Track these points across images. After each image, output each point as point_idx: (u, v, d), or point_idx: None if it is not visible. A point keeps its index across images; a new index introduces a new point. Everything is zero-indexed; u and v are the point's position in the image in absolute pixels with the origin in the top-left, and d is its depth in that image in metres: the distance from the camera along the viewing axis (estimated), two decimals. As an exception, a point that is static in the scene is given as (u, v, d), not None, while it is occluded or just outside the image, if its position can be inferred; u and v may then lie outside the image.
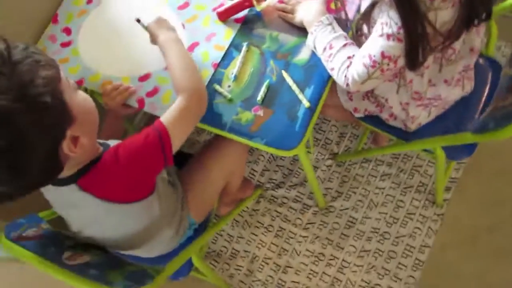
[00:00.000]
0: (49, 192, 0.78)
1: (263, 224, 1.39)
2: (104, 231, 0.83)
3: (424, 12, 0.68)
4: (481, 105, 1.00)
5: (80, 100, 0.70)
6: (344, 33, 0.86)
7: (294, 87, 0.88)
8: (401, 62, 0.77)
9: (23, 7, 1.06)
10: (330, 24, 0.86)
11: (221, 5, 0.99)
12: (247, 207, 1.42)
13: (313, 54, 0.90)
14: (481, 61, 1.03)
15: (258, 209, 1.41)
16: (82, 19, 1.08)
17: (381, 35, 0.75)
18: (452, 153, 0.99)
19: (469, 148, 0.99)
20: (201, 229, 1.06)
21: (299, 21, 0.91)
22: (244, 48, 0.93)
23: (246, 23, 0.97)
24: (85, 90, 1.02)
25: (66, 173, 0.71)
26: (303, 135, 0.84)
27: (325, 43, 0.85)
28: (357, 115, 1.05)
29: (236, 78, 0.92)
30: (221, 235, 1.41)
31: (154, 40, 0.90)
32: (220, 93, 0.91)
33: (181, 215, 0.95)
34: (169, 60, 0.85)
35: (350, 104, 1.04)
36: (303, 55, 0.91)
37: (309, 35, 0.88)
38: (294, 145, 0.84)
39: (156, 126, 0.76)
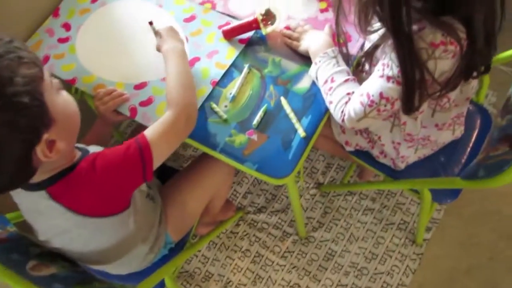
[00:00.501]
0: (18, 195, 0.73)
1: (240, 248, 1.36)
2: (72, 244, 0.78)
3: (424, 60, 0.68)
4: (469, 149, 1.02)
5: (61, 102, 0.66)
6: (347, 68, 0.86)
7: (291, 115, 0.87)
8: (398, 104, 0.77)
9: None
10: (335, 57, 0.86)
11: (227, 23, 0.98)
12: (225, 229, 1.38)
13: (314, 84, 0.90)
14: (470, 107, 1.06)
15: (237, 232, 1.38)
16: (84, 17, 1.06)
17: (382, 76, 0.75)
18: (438, 195, 1.00)
19: (455, 192, 1.00)
20: (177, 248, 1.02)
21: (304, 50, 0.92)
22: (245, 70, 0.92)
23: (250, 44, 0.96)
24: (76, 91, 0.99)
25: (37, 177, 0.66)
26: (295, 165, 0.83)
27: (327, 75, 0.85)
28: (348, 148, 1.05)
29: (234, 98, 0.90)
30: (196, 256, 1.36)
31: (159, 46, 0.88)
32: (216, 112, 0.89)
33: (158, 230, 0.91)
34: (168, 71, 0.83)
35: (343, 137, 1.04)
36: (303, 84, 0.91)
37: (312, 65, 0.88)
38: (285, 174, 0.82)
39: (138, 139, 0.72)
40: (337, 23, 0.82)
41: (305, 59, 0.91)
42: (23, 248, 0.78)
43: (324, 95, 0.86)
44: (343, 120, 0.83)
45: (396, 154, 0.97)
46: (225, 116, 0.89)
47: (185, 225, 1.02)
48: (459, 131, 0.98)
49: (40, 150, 0.61)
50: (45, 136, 0.61)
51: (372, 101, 0.77)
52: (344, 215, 1.37)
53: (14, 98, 0.56)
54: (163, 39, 0.88)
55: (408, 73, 0.70)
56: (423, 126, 0.91)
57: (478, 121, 1.06)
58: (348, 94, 0.82)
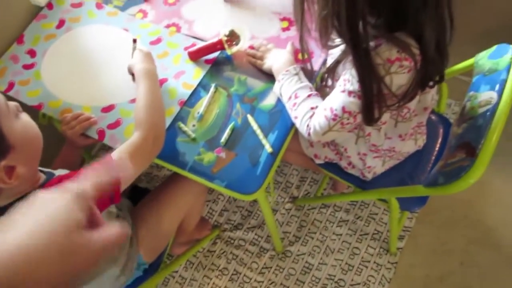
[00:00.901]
0: None
1: (218, 267, 1.35)
2: None
3: (382, 76, 0.71)
4: (433, 158, 1.06)
5: (20, 127, 0.65)
6: (310, 84, 0.89)
7: (258, 131, 0.89)
8: (361, 117, 0.80)
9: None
10: (297, 74, 0.89)
11: (193, 45, 1.00)
12: (202, 248, 1.37)
13: (279, 100, 0.93)
14: (433, 117, 1.11)
15: (214, 251, 1.37)
16: (50, 43, 1.06)
17: (343, 91, 0.77)
18: (406, 204, 1.03)
19: (421, 200, 1.03)
20: (151, 269, 1.01)
21: (267, 68, 0.94)
22: (212, 89, 0.94)
23: (216, 64, 0.98)
24: (44, 115, 0.98)
25: (0, 202, 0.65)
26: (263, 180, 0.84)
27: (290, 92, 0.87)
28: (317, 161, 1.08)
29: (201, 117, 0.92)
30: (173, 277, 1.34)
31: (133, 66, 0.88)
32: (184, 132, 0.91)
33: (128, 252, 0.90)
34: (138, 91, 0.84)
35: (311, 150, 1.06)
36: (269, 101, 0.93)
37: (276, 83, 0.91)
38: (254, 189, 0.84)
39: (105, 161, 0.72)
40: (301, 38, 0.83)
41: (270, 77, 0.94)
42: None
43: (289, 111, 0.89)
44: (309, 134, 0.85)
45: (363, 165, 1.00)
46: (193, 135, 0.90)
47: (158, 246, 1.01)
48: (421, 140, 1.02)
49: None
50: (3, 163, 0.60)
51: (336, 115, 0.80)
52: (320, 228, 1.39)
53: None
54: (139, 59, 0.88)
55: (367, 87, 0.72)
56: (387, 137, 0.94)
57: (441, 131, 1.11)
58: (312, 108, 0.85)
